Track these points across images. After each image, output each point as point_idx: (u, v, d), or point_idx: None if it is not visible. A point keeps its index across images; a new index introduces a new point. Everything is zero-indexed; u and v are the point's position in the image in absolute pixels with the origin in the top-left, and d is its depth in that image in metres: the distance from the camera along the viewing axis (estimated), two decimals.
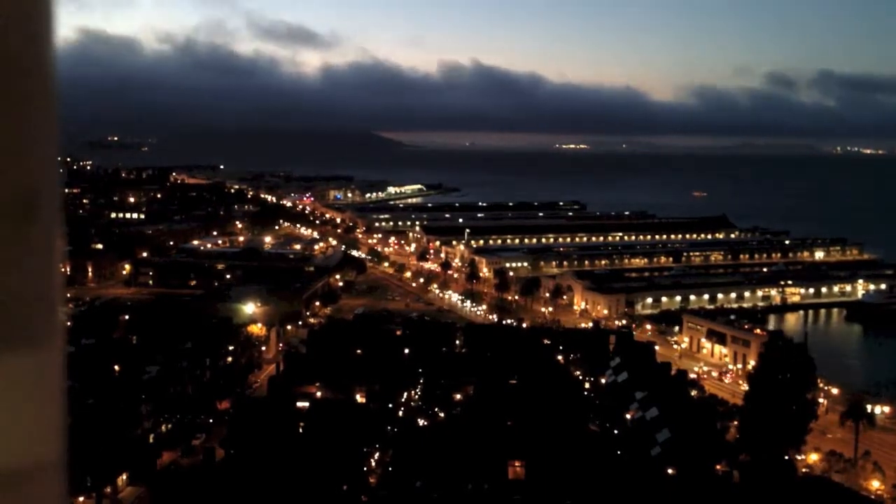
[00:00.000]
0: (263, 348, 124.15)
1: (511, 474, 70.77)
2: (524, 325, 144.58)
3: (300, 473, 66.70)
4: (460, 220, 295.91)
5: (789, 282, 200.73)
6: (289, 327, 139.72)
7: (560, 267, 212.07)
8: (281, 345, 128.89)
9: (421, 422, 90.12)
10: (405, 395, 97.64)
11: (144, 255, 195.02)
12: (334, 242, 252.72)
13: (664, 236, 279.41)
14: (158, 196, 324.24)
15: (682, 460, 76.98)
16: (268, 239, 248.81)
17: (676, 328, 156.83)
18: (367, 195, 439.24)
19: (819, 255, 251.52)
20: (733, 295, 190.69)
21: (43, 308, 2.04)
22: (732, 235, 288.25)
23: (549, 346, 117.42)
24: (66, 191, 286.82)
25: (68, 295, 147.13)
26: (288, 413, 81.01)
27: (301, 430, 77.65)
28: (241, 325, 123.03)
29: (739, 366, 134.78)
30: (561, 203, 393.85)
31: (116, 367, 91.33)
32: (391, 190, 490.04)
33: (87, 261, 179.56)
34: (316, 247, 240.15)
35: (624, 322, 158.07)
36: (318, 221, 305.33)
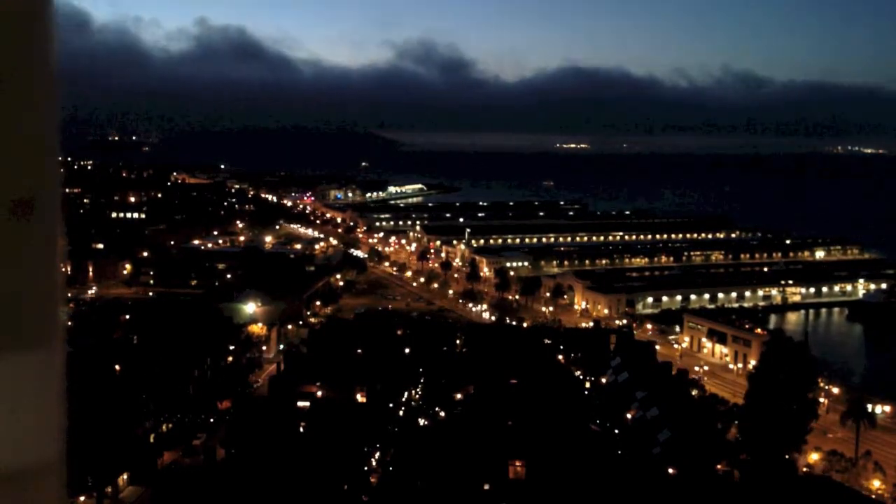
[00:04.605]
0: (264, 348, 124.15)
1: (511, 474, 70.72)
2: (525, 325, 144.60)
3: (301, 473, 66.67)
4: (461, 220, 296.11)
5: (790, 281, 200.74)
6: (289, 327, 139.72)
7: (560, 266, 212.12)
8: (282, 344, 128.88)
9: (422, 421, 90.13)
10: (406, 394, 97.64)
11: (145, 254, 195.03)
12: (335, 242, 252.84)
13: (665, 236, 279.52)
14: (159, 196, 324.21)
15: (683, 460, 76.94)
16: (268, 239, 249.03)
17: (677, 328, 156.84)
18: (368, 195, 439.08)
19: (820, 254, 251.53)
20: (734, 294, 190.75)
21: (43, 308, 2.05)
22: (733, 235, 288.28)
23: (550, 346, 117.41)
24: (66, 191, 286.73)
25: (68, 295, 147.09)
26: (289, 412, 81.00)
27: (302, 430, 77.64)
28: (241, 324, 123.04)
29: (740, 365, 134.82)
30: (562, 203, 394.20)
31: (116, 367, 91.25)
32: (392, 189, 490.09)
33: (88, 261, 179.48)
34: (317, 246, 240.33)
35: (624, 322, 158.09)
36: (318, 221, 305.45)
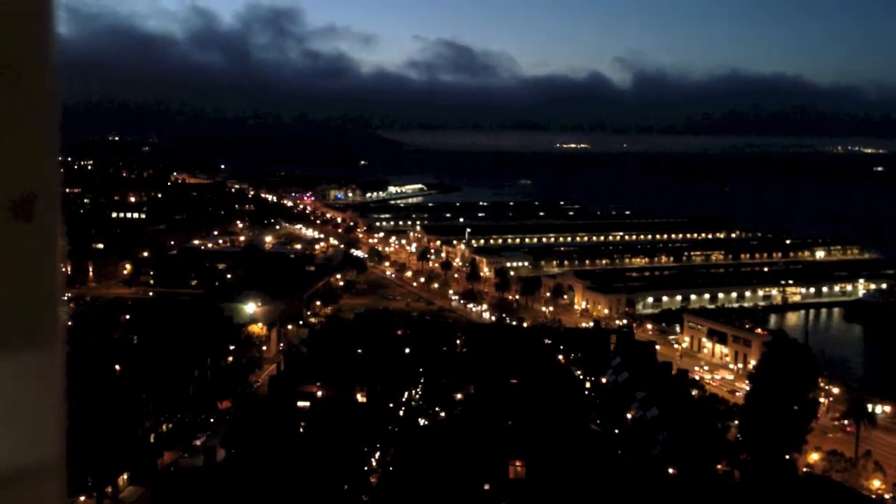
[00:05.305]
0: (264, 348, 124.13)
1: (511, 474, 70.71)
2: (525, 325, 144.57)
3: (301, 473, 66.67)
4: (461, 220, 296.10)
5: (790, 281, 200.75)
6: (290, 327, 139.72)
7: (561, 266, 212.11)
8: (282, 344, 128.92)
9: (422, 421, 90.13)
10: (406, 394, 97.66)
11: (145, 254, 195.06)
12: (335, 242, 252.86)
13: (665, 236, 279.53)
14: (159, 196, 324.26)
15: (683, 460, 76.93)
16: (268, 238, 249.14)
17: (677, 328, 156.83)
18: (368, 195, 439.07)
19: (820, 254, 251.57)
20: (734, 294, 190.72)
21: (43, 308, 2.05)
22: (733, 235, 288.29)
23: (550, 346, 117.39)
24: (66, 191, 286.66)
25: (68, 295, 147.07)
26: (289, 412, 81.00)
27: (302, 430, 77.64)
28: (241, 324, 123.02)
29: (740, 365, 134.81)
30: (562, 202, 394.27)
31: (116, 367, 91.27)
32: (392, 189, 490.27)
33: (88, 261, 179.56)
34: (317, 246, 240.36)
35: (625, 321, 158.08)
36: (318, 221, 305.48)
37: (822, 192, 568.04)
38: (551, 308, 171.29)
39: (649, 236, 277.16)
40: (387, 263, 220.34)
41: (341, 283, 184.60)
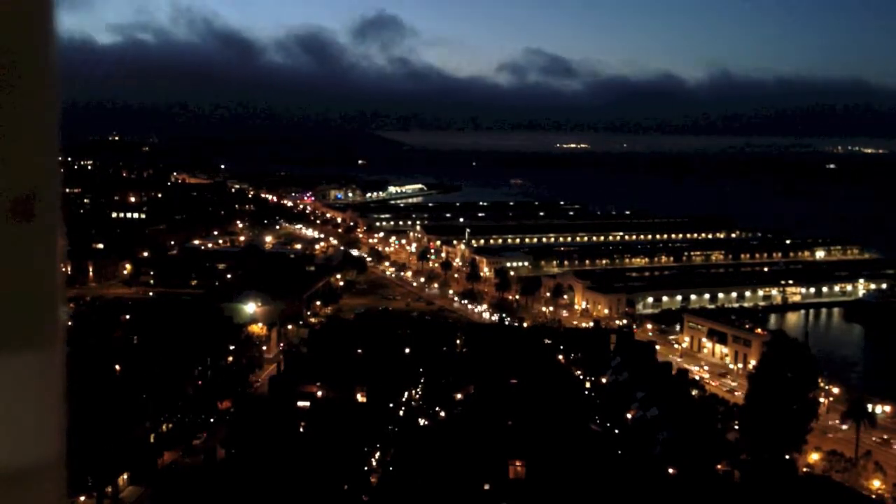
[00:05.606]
0: (264, 348, 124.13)
1: (511, 474, 70.72)
2: (525, 325, 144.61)
3: (301, 473, 66.68)
4: (461, 220, 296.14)
5: (790, 281, 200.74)
6: (290, 327, 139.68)
7: (561, 266, 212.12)
8: (282, 344, 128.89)
9: (422, 421, 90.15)
10: (406, 394, 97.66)
11: (145, 254, 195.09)
12: (335, 242, 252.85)
13: (665, 236, 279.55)
14: (159, 196, 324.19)
15: (683, 460, 76.93)
16: (268, 238, 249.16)
17: (677, 328, 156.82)
18: (368, 195, 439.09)
19: (820, 254, 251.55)
20: (734, 294, 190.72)
21: (43, 308, 2.04)
22: (733, 235, 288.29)
23: (550, 346, 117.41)
24: (66, 191, 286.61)
25: (68, 295, 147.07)
26: (289, 412, 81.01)
27: (302, 430, 77.66)
28: (241, 324, 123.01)
29: (740, 365, 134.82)
30: (562, 202, 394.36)
31: (116, 367, 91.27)
32: (392, 189, 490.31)
33: (88, 261, 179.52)
34: (317, 246, 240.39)
35: (625, 322, 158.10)
36: (318, 221, 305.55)
37: (821, 191, 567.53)
38: (551, 308, 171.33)
39: (649, 236, 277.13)
40: (387, 263, 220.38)
41: (341, 283, 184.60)
